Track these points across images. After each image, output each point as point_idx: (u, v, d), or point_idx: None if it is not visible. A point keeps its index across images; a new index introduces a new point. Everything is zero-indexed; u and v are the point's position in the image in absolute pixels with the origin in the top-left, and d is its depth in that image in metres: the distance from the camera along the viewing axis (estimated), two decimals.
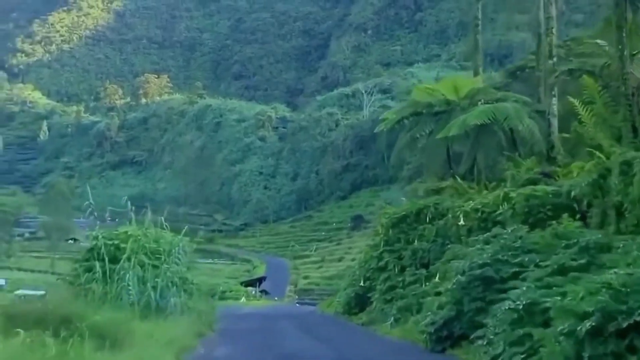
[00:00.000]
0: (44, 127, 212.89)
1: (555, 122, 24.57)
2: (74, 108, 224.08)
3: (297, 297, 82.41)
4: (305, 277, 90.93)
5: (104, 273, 15.07)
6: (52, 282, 47.93)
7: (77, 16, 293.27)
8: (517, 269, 12.68)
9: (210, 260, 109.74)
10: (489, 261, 13.30)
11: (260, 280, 66.92)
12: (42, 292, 36.00)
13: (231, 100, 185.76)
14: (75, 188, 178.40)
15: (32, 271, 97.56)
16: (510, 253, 13.31)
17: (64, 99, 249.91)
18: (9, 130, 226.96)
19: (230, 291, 59.85)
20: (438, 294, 16.95)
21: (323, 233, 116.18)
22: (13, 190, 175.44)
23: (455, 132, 24.98)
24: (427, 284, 20.12)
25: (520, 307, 9.97)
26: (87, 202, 20.14)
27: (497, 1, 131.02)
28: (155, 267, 15.18)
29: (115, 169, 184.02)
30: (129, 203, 20.08)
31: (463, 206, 20.25)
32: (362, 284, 27.98)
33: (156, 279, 14.83)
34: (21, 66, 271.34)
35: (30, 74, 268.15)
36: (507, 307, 10.38)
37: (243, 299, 57.17)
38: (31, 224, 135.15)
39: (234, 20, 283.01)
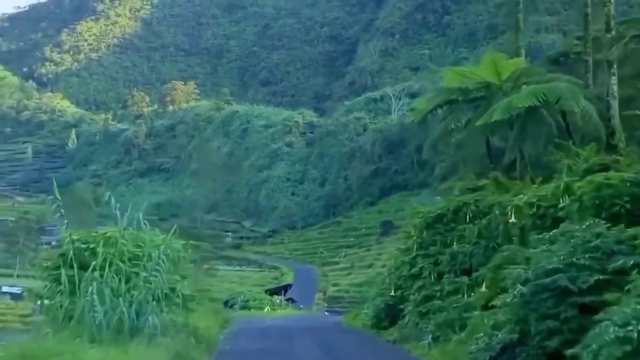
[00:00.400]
0: (73, 136, 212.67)
1: (615, 105, 21.13)
2: (102, 116, 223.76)
3: (325, 305, 79.14)
4: (334, 285, 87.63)
5: (72, 284, 12.02)
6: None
7: (104, 25, 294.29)
8: (601, 276, 9.36)
9: (237, 268, 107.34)
10: (561, 266, 9.96)
11: (286, 287, 63.57)
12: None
13: (258, 106, 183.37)
14: (102, 196, 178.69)
15: None
16: (588, 255, 9.99)
17: (92, 108, 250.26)
18: (38, 139, 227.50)
19: (254, 300, 56.66)
20: (486, 307, 13.63)
21: (352, 239, 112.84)
22: (42, 198, 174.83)
23: (498, 117, 21.45)
24: (472, 294, 16.74)
25: (635, 335, 6.62)
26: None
27: (526, 4, 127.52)
28: (132, 276, 12.05)
29: (142, 176, 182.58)
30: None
31: (513, 200, 16.86)
32: (392, 293, 24.71)
33: (132, 292, 11.72)
34: (50, 75, 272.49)
35: (59, 82, 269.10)
36: (611, 334, 6.97)
37: (267, 308, 53.97)
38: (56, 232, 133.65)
39: (260, 27, 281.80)
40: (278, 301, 62.78)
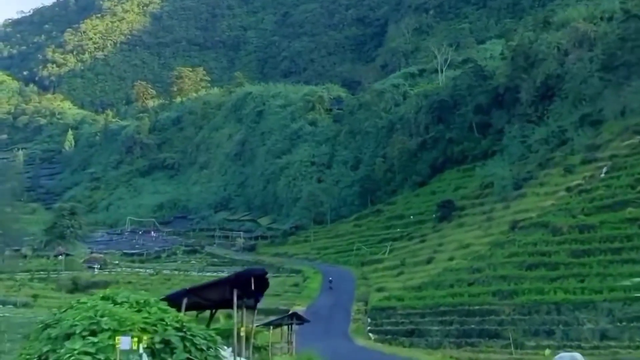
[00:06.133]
0: (69, 138, 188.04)
1: None
2: (104, 115, 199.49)
3: (369, 320, 50.65)
4: (380, 290, 59.13)
5: None
6: None
7: (111, 22, 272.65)
8: None
9: None
10: None
11: (293, 316, 32.11)
12: None
13: (274, 84, 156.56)
14: (99, 201, 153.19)
15: None
16: None
17: (98, 110, 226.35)
18: (35, 145, 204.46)
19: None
20: None
21: (398, 230, 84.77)
22: (34, 207, 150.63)
23: None
24: None
25: None
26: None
27: None
28: None
29: (144, 175, 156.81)
30: None
31: None
32: None
33: None
34: (52, 78, 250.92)
35: (61, 84, 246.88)
36: None
37: None
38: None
39: (280, 15, 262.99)
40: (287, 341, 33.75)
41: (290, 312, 33.50)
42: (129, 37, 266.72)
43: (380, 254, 77.69)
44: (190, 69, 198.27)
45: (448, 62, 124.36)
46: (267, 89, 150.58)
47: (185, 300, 11.59)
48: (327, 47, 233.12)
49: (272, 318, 34.47)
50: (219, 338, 10.55)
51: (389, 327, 47.94)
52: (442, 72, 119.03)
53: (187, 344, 9.87)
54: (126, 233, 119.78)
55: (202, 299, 12.10)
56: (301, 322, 33.78)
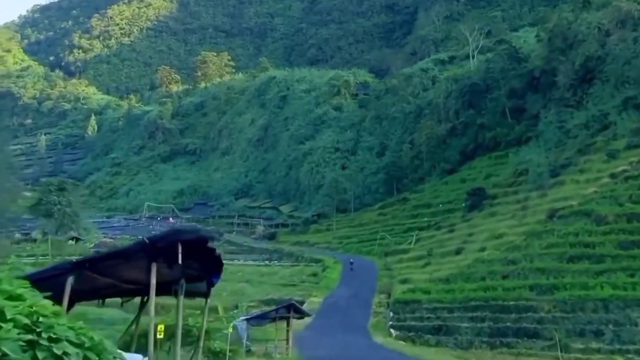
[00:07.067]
0: (92, 123, 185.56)
1: None
2: (128, 101, 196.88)
3: (391, 314, 46.01)
4: (404, 281, 54.43)
5: None
6: None
7: (137, 7, 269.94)
8: None
9: (260, 262, 76.00)
10: None
11: (290, 308, 27.23)
12: None
13: (299, 69, 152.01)
14: (119, 186, 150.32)
15: None
16: None
17: (123, 96, 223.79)
18: (59, 130, 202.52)
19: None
20: None
21: (425, 219, 79.98)
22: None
23: None
24: None
25: None
26: None
27: None
28: None
29: (165, 161, 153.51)
30: None
31: None
32: None
33: None
34: (78, 63, 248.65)
35: (87, 70, 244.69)
36: None
37: None
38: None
39: (307, 2, 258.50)
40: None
41: (286, 303, 28.08)
42: (156, 23, 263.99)
43: (405, 244, 72.98)
44: (215, 54, 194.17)
45: (479, 47, 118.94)
46: (292, 74, 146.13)
47: (70, 280, 7.22)
48: (355, 34, 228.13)
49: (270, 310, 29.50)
50: (109, 343, 6.09)
51: (412, 323, 43.22)
52: (473, 57, 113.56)
53: (42, 353, 5.44)
54: (143, 219, 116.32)
55: (111, 277, 7.75)
56: (300, 315, 28.74)
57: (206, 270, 8.13)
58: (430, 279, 52.60)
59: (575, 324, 35.13)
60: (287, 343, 27.15)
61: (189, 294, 8.97)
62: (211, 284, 8.72)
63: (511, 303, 39.78)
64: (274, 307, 28.62)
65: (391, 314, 46.08)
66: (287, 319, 27.10)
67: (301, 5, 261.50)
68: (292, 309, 26.86)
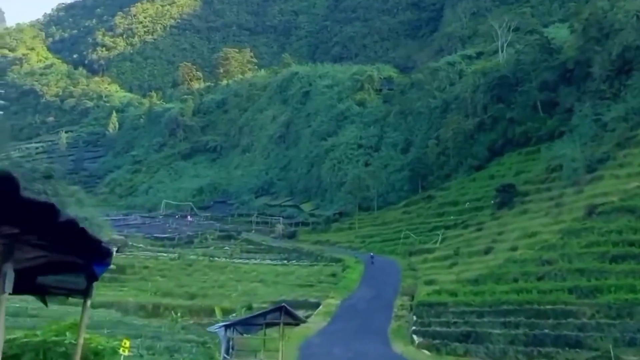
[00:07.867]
0: (113, 120, 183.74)
1: None
2: (150, 99, 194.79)
3: (414, 318, 42.17)
4: (429, 282, 50.53)
5: None
6: None
7: (161, 5, 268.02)
8: None
9: (277, 262, 72.57)
10: None
11: (281, 310, 23.25)
12: None
13: (322, 64, 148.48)
14: (139, 184, 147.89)
15: None
16: None
17: (146, 94, 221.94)
18: (81, 128, 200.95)
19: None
20: None
21: (452, 217, 76.02)
22: (72, 190, 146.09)
23: None
24: None
25: None
26: None
27: None
28: None
29: (186, 158, 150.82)
30: None
31: None
32: None
33: None
34: (102, 61, 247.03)
35: (110, 68, 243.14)
36: None
37: None
38: None
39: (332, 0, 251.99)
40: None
41: (277, 306, 23.89)
42: (179, 21, 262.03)
43: (430, 243, 69.14)
44: (237, 50, 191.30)
45: (508, 40, 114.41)
46: (314, 70, 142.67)
47: None
48: (380, 32, 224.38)
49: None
50: None
51: (438, 328, 39.31)
52: (502, 51, 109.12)
53: None
54: (160, 217, 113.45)
55: None
56: (294, 322, 24.68)
57: (82, 254, 4.64)
58: (458, 279, 48.74)
59: (623, 331, 31.00)
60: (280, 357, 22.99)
61: (57, 291, 5.48)
62: (93, 277, 5.13)
63: (548, 307, 35.70)
64: (259, 311, 24.63)
65: (414, 317, 42.19)
66: (279, 324, 23.03)
67: (326, 2, 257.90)
68: (285, 313, 22.81)
